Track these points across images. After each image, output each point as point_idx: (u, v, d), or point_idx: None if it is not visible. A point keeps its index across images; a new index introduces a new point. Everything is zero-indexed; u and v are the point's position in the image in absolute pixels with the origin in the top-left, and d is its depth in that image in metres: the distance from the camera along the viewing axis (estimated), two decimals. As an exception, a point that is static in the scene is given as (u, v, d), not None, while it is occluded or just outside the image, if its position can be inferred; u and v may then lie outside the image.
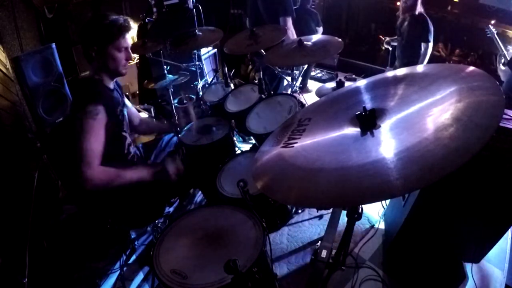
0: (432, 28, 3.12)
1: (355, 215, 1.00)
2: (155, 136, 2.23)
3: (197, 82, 2.86)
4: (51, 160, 2.43)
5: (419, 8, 3.13)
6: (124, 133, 1.67)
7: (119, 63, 1.53)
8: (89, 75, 1.54)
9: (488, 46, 3.56)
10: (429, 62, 3.36)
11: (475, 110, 0.74)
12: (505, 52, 3.16)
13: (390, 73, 1.16)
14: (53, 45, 2.45)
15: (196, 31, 2.51)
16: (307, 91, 3.87)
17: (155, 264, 1.15)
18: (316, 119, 1.16)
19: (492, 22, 3.32)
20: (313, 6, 4.51)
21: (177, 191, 1.86)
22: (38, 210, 1.96)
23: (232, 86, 2.51)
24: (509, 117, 1.26)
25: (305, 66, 2.87)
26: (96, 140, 1.39)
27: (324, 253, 1.42)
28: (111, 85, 1.61)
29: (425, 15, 3.15)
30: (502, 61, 3.16)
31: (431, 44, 3.15)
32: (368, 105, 0.99)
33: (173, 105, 2.56)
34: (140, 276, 1.90)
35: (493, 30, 3.25)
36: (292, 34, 2.65)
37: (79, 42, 1.49)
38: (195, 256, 1.17)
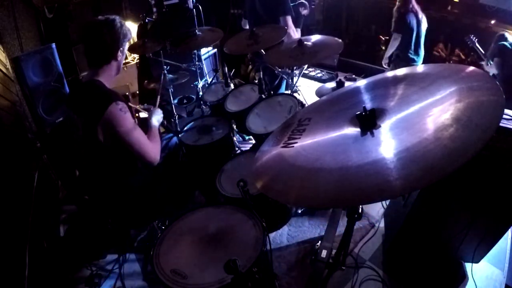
0: (406, 21, 3.21)
1: (355, 215, 1.00)
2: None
3: (197, 82, 2.86)
4: (51, 160, 2.44)
5: (410, 5, 3.23)
6: None
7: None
8: (89, 78, 1.50)
9: (488, 46, 3.59)
10: (429, 62, 3.40)
11: (475, 110, 0.74)
12: (488, 57, 3.31)
13: (390, 73, 1.17)
14: (53, 45, 2.44)
15: (196, 31, 2.51)
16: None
17: (155, 264, 1.15)
18: (316, 119, 1.16)
19: (469, 34, 3.49)
20: (312, 6, 4.51)
21: (177, 192, 1.86)
22: (38, 210, 1.96)
23: (232, 86, 2.51)
24: (509, 117, 1.26)
25: (305, 66, 2.86)
26: (136, 128, 1.48)
27: (324, 253, 1.42)
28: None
29: (409, 10, 3.23)
30: (486, 63, 3.31)
31: (398, 36, 3.29)
32: (368, 105, 0.99)
33: (173, 105, 2.56)
34: (140, 276, 1.90)
35: (474, 39, 3.41)
36: (293, 32, 2.64)
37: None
38: (195, 256, 1.17)
